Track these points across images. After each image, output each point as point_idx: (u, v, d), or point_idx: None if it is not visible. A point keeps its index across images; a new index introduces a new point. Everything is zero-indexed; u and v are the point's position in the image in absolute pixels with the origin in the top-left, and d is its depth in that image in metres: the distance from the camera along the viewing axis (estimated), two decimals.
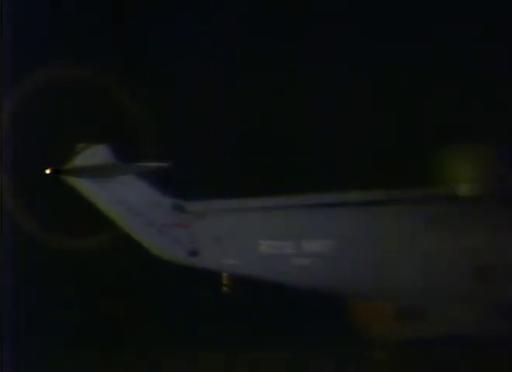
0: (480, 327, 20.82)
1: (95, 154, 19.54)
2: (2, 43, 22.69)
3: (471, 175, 22.92)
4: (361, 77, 32.46)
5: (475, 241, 20.90)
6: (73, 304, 26.27)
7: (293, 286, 21.28)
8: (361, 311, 21.35)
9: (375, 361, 20.87)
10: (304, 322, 23.39)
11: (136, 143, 21.47)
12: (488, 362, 20.35)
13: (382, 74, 34.26)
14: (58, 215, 23.33)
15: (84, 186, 19.57)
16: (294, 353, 22.29)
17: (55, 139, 24.75)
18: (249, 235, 20.79)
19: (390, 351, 20.93)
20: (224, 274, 21.09)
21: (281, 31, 34.57)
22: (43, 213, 23.62)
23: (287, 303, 23.10)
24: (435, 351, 20.88)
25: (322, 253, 20.48)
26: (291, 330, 23.54)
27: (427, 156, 22.91)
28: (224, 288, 21.40)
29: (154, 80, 27.73)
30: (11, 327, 22.56)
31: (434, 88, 35.42)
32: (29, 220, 25.55)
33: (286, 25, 34.51)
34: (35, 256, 25.86)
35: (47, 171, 19.85)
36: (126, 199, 19.83)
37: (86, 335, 24.96)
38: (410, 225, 20.97)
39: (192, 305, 25.31)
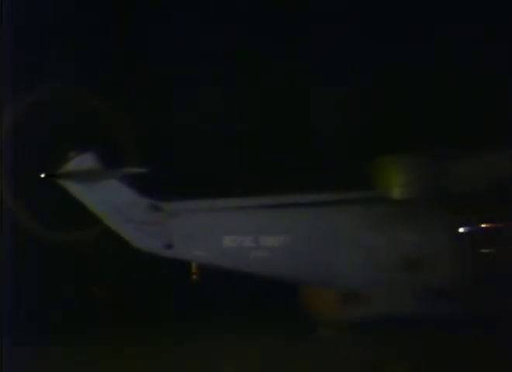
0: (409, 308, 22.61)
1: (84, 161, 20.98)
2: (2, 43, 21.83)
3: (403, 179, 23.64)
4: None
5: (406, 237, 22.73)
6: (65, 290, 27.43)
7: (252, 275, 22.79)
8: (309, 296, 23.08)
9: (321, 338, 22.39)
10: (262, 305, 24.95)
11: (119, 152, 22.72)
12: (413, 337, 21.65)
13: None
14: (53, 212, 24.27)
15: (74, 188, 21.11)
16: (253, 330, 23.75)
17: (49, 146, 25.54)
18: (215, 231, 22.35)
19: (334, 329, 22.60)
20: (194, 264, 23.38)
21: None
22: (39, 211, 24.61)
23: (247, 289, 24.53)
24: (372, 329, 22.35)
25: (277, 247, 22.23)
26: (250, 312, 25.11)
27: (366, 162, 24.02)
28: (194, 276, 23.79)
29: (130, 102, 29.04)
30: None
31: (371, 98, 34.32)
32: (27, 218, 24.73)
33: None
34: (33, 247, 27.00)
35: (42, 175, 21.33)
36: (110, 200, 21.41)
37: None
38: (352, 223, 22.80)
39: (163, 289, 26.73)
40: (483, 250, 23.43)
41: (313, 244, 22.55)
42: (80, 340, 23.68)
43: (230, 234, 22.56)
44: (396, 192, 24.23)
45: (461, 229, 23.95)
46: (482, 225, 23.73)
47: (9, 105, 21.70)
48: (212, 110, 35.27)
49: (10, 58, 22.82)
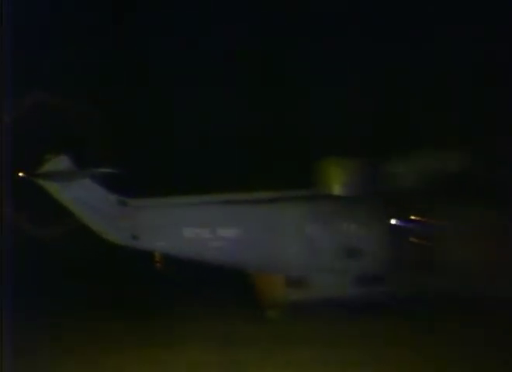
0: (347, 291, 24.25)
1: (59, 162, 22.32)
2: (2, 43, 21.36)
3: (343, 179, 25.11)
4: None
5: (345, 228, 24.29)
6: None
7: (209, 263, 24.22)
8: (259, 282, 24.50)
9: (268, 318, 23.77)
10: (217, 289, 26.48)
11: (91, 154, 24.44)
12: (350, 315, 23.20)
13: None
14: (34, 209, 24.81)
15: (51, 187, 22.31)
16: (207, 312, 24.92)
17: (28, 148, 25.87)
18: (176, 224, 23.70)
19: (281, 311, 23.94)
20: (157, 253, 24.67)
21: None
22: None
23: (204, 275, 25.92)
24: (315, 310, 23.75)
25: (230, 238, 23.78)
26: (206, 294, 26.52)
27: (311, 164, 25.49)
28: (157, 264, 25.04)
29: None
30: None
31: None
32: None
33: None
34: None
35: (20, 174, 22.26)
36: (83, 197, 22.65)
37: None
38: (297, 217, 24.15)
39: (129, 275, 28.73)
40: (412, 240, 24.84)
41: (263, 235, 23.98)
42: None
43: (189, 226, 23.77)
44: (338, 190, 25.06)
45: (393, 222, 25.07)
46: (412, 218, 25.06)
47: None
48: (175, 111, 37.32)
49: (10, 58, 23.03)
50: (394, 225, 24.86)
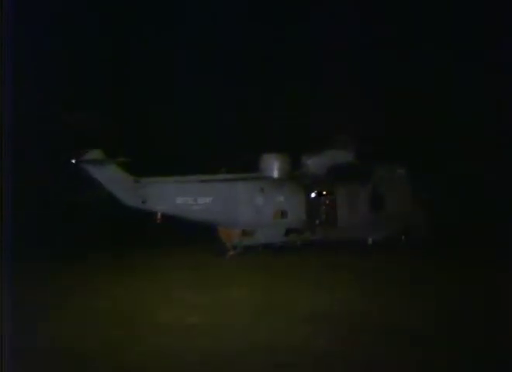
0: (277, 239, 26.97)
1: (95, 153, 24.08)
2: (2, 43, 18.60)
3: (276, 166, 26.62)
4: None
5: (278, 198, 26.43)
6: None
7: (191, 220, 25.87)
8: (224, 233, 26.77)
9: (229, 255, 26.22)
10: (195, 237, 27.86)
11: (113, 148, 24.83)
12: (277, 254, 26.19)
13: None
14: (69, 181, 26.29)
15: (91, 169, 24.18)
16: (189, 251, 27.58)
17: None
18: (170, 194, 25.39)
19: (237, 251, 26.49)
20: (158, 213, 25.31)
21: None
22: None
23: (188, 228, 26.78)
24: (256, 249, 26.64)
25: (206, 204, 25.65)
26: (188, 241, 28.56)
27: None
28: (157, 220, 25.42)
29: None
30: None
31: None
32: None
33: None
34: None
35: (73, 161, 23.91)
36: (111, 176, 24.41)
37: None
38: (248, 191, 26.33)
39: (139, 226, 29.03)
40: (318, 206, 27.13)
41: (227, 203, 26.02)
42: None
43: (180, 196, 25.43)
44: (274, 173, 27.03)
45: (307, 193, 27.32)
46: (319, 192, 27.34)
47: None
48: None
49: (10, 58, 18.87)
50: (308, 196, 27.27)
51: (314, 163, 28.10)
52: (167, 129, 35.76)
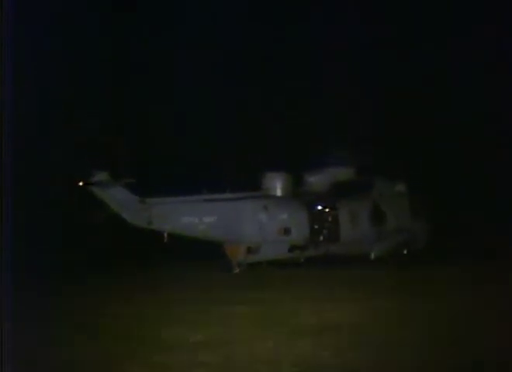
0: (282, 255, 26.81)
1: (102, 175, 24.35)
2: (2, 43, 17.34)
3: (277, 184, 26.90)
4: None
5: (281, 215, 26.39)
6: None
7: (197, 239, 26.04)
8: (229, 249, 26.68)
9: (233, 272, 25.78)
10: (201, 255, 27.56)
11: (119, 170, 24.87)
12: (284, 270, 26.03)
13: None
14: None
15: (97, 191, 24.46)
16: (196, 268, 27.16)
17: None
18: (175, 214, 25.33)
19: (242, 267, 26.37)
20: (164, 233, 25.41)
21: None
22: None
23: (194, 246, 26.92)
24: (261, 266, 26.69)
25: (211, 222, 25.64)
26: (196, 258, 28.07)
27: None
28: (164, 239, 25.51)
29: None
30: None
31: None
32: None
33: None
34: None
35: (80, 184, 24.05)
36: (117, 197, 24.66)
37: None
38: (251, 209, 26.34)
39: (147, 246, 28.78)
40: (320, 222, 27.10)
41: (231, 221, 25.98)
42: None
43: (185, 216, 25.43)
44: (277, 191, 27.20)
45: (310, 210, 27.30)
46: (321, 210, 27.32)
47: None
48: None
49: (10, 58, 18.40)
50: (311, 213, 27.30)
51: (316, 181, 28.20)
52: (169, 145, 35.48)
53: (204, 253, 27.42)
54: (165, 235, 25.28)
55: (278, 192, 27.33)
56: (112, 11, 34.87)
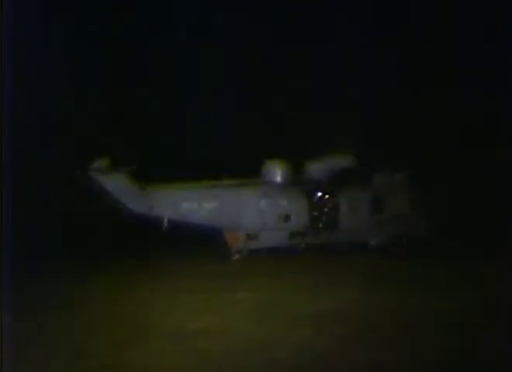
0: (282, 242, 26.28)
1: (103, 162, 23.70)
2: (2, 43, 15.82)
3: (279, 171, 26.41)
4: None
5: (281, 203, 25.87)
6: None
7: (198, 225, 25.13)
8: (228, 236, 26.26)
9: (233, 259, 25.73)
10: (201, 241, 26.34)
11: (120, 156, 24.22)
12: (282, 257, 25.59)
13: None
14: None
15: (97, 177, 23.73)
16: (196, 254, 26.84)
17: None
18: (175, 200, 24.96)
19: (242, 254, 26.00)
20: (164, 218, 24.82)
21: None
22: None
23: (194, 232, 25.38)
24: (261, 253, 25.94)
25: (212, 208, 25.23)
26: (195, 244, 27.13)
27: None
28: (163, 225, 24.85)
29: None
30: None
31: None
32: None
33: None
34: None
35: (79, 172, 23.45)
36: (118, 184, 24.02)
37: None
38: (252, 195, 25.80)
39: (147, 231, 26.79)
40: (320, 209, 26.54)
41: (231, 207, 25.54)
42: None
43: (185, 202, 25.03)
44: (277, 179, 26.35)
45: (310, 197, 26.71)
46: (321, 197, 26.72)
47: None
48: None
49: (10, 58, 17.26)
50: (311, 200, 26.77)
51: (316, 168, 27.54)
52: (169, 133, 35.12)
53: (203, 241, 26.73)
54: (165, 222, 24.93)
55: (278, 179, 26.91)
56: (112, 11, 34.45)
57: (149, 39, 35.91)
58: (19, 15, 18.66)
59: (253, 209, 26.10)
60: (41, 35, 29.56)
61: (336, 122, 30.41)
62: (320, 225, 26.70)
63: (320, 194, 26.94)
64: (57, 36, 31.42)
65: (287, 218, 26.43)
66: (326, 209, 26.83)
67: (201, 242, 27.16)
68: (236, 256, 26.12)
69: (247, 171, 27.41)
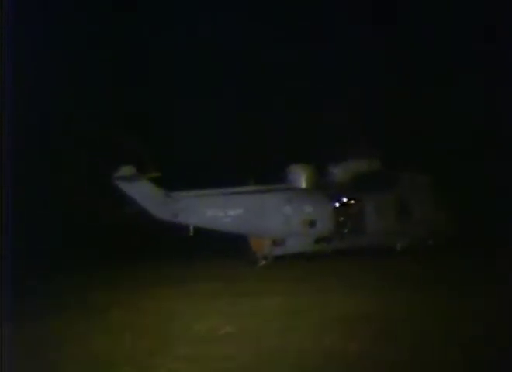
0: (307, 248, 26.32)
1: (128, 170, 23.86)
2: (2, 43, 15.26)
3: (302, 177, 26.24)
4: None
5: (306, 208, 25.77)
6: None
7: (223, 231, 25.48)
8: (254, 242, 26.34)
9: (259, 265, 25.65)
10: (227, 248, 27.13)
11: (145, 164, 24.43)
12: (310, 262, 25.58)
13: None
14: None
15: (123, 185, 23.97)
16: (222, 262, 26.73)
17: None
18: (201, 207, 25.02)
19: (268, 260, 25.94)
20: (190, 226, 24.95)
21: None
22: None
23: (219, 239, 26.27)
24: (286, 258, 26.08)
25: (236, 215, 25.23)
26: (221, 251, 27.74)
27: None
28: (189, 233, 25.06)
29: None
30: None
31: None
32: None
33: None
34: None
35: (105, 179, 23.68)
36: (143, 191, 24.21)
37: None
38: (276, 201, 25.73)
39: (173, 238, 27.39)
40: (345, 214, 26.54)
41: (256, 214, 25.55)
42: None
43: (210, 208, 25.11)
44: (302, 184, 26.36)
45: (332, 204, 26.73)
46: (344, 202, 26.78)
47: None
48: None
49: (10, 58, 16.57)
50: (336, 205, 26.71)
51: (340, 172, 27.39)
52: (189, 140, 35.10)
53: (229, 247, 27.06)
54: (191, 228, 24.99)
55: (303, 184, 26.82)
56: (112, 11, 34.16)
57: (149, 39, 35.80)
58: (19, 15, 18.58)
59: (278, 215, 25.94)
60: (41, 35, 29.24)
61: (360, 125, 30.03)
62: (346, 231, 26.53)
63: (344, 198, 26.84)
64: (57, 36, 31.14)
65: (312, 223, 26.25)
66: (351, 214, 26.62)
67: (227, 249, 27.32)
68: (262, 262, 25.98)
69: (272, 176, 27.24)
